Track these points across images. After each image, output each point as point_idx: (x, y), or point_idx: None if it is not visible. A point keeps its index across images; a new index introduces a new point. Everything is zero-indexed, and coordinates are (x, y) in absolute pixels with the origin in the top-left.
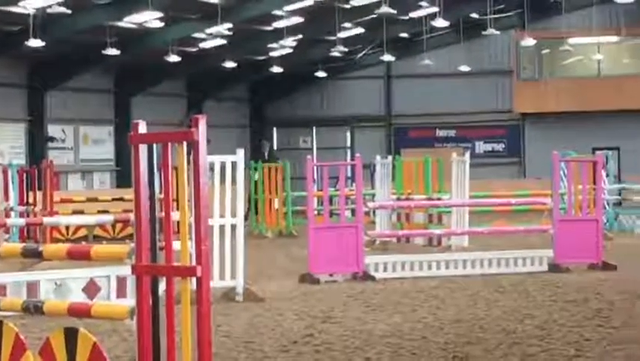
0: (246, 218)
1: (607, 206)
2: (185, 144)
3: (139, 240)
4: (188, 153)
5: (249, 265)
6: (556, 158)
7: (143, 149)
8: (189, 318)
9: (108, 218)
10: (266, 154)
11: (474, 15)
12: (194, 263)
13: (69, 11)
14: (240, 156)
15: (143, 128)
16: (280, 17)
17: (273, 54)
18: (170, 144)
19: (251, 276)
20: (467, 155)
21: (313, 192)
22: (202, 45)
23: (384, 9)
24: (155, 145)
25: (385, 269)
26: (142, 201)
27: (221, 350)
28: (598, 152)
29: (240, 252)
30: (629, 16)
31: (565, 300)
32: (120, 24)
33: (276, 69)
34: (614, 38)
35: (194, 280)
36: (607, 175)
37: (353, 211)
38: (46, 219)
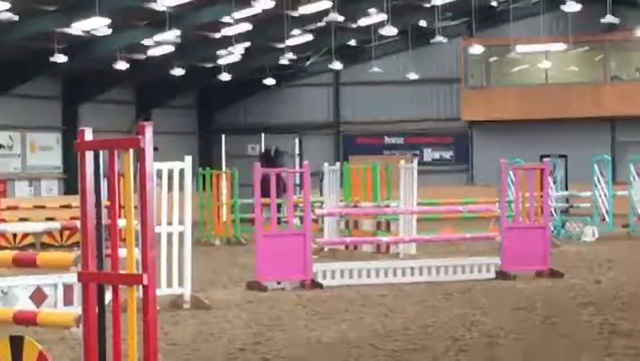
0: None
1: (554, 214)
2: (131, 151)
3: (85, 247)
4: (136, 161)
5: (196, 272)
6: (504, 165)
7: (89, 156)
8: (136, 326)
9: (55, 225)
10: (272, 152)
11: (422, 23)
12: (140, 271)
13: (16, 17)
14: (187, 163)
15: (89, 135)
16: (229, 24)
17: (221, 61)
18: (116, 151)
19: (199, 284)
20: (415, 162)
21: (261, 200)
22: (150, 52)
23: (333, 16)
24: (101, 152)
25: (333, 277)
26: (88, 209)
27: (168, 357)
28: (545, 159)
29: (188, 259)
30: (577, 24)
31: (512, 307)
32: (68, 31)
33: (225, 76)
34: (562, 46)
35: (141, 287)
36: (554, 183)
37: (301, 219)
38: None
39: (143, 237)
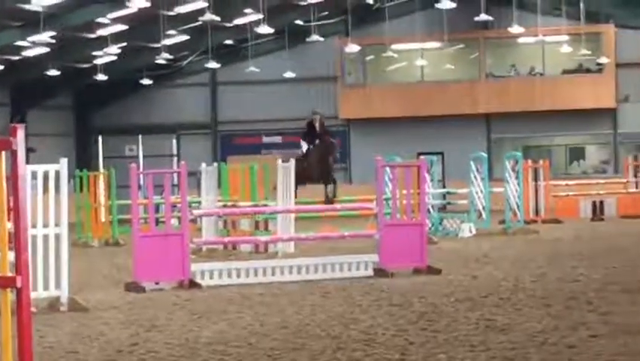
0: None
1: (432, 210)
2: (3, 153)
3: None
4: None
5: (74, 274)
6: (380, 163)
7: None
8: (10, 329)
9: None
10: (317, 127)
11: (298, 22)
12: (14, 273)
13: None
14: (63, 164)
15: None
16: (104, 25)
17: (97, 62)
18: None
19: (76, 286)
20: (292, 161)
21: (138, 200)
22: (25, 53)
23: (209, 16)
24: None
25: (212, 277)
26: None
27: (44, 360)
28: (422, 157)
29: (65, 261)
30: (451, 22)
31: (390, 304)
32: None
33: (101, 77)
34: (437, 44)
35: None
36: (431, 180)
37: (179, 219)
38: None
39: (16, 239)
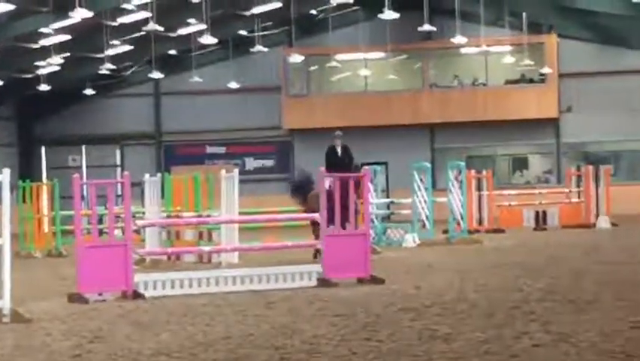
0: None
1: (375, 220)
2: None
3: None
4: None
5: (16, 285)
6: (322, 174)
7: None
8: None
9: None
10: (339, 151)
11: (242, 32)
12: None
13: None
14: (5, 175)
15: None
16: (47, 35)
17: (40, 72)
18: None
19: (18, 297)
20: (236, 171)
21: (82, 211)
22: None
23: (152, 26)
24: None
25: (155, 287)
26: None
27: None
28: (365, 167)
29: (7, 272)
30: (395, 32)
31: (333, 314)
32: None
33: (44, 87)
34: (381, 55)
35: None
36: (375, 190)
37: (123, 230)
38: None
39: None
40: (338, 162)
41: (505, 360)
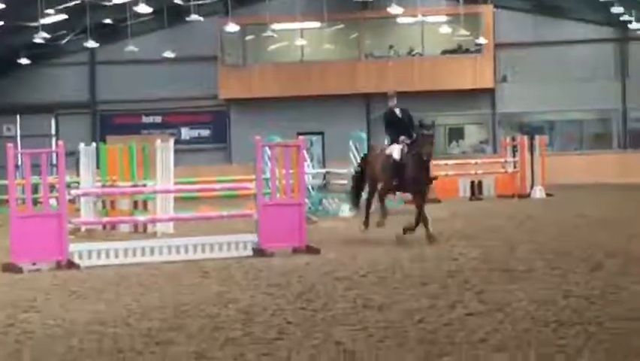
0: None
1: (311, 190)
2: None
3: None
4: None
5: None
6: (258, 142)
7: None
8: None
9: None
10: (397, 112)
11: (178, 1)
12: None
13: None
14: None
15: None
16: None
17: None
18: None
19: None
20: (171, 141)
21: (16, 181)
22: None
23: None
24: None
25: (90, 257)
26: None
27: None
28: (301, 137)
29: None
30: (331, 2)
31: (268, 284)
32: None
33: None
34: (317, 24)
35: None
36: (311, 160)
37: (58, 199)
38: None
39: None
40: (399, 124)
41: (440, 329)
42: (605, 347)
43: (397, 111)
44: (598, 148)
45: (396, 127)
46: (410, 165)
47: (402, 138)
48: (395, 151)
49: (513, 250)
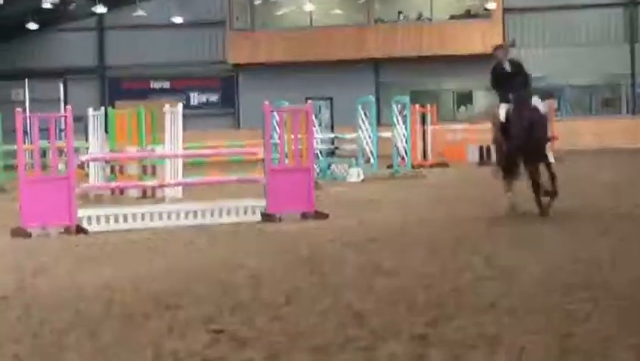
0: None
1: (320, 155)
2: None
3: None
4: None
5: None
6: (267, 108)
7: None
8: None
9: None
10: (506, 66)
11: None
12: None
13: None
14: None
15: None
16: None
17: None
18: None
19: None
20: (180, 106)
21: (25, 146)
22: None
23: None
24: None
25: (99, 222)
26: None
27: None
28: (309, 101)
29: None
30: None
31: (277, 249)
32: None
33: None
34: None
35: None
36: (319, 125)
37: (67, 164)
38: None
39: None
40: (508, 80)
41: (448, 293)
42: (613, 311)
43: (507, 65)
44: (607, 113)
45: (504, 84)
46: (517, 126)
47: (512, 95)
48: (501, 111)
49: (523, 214)
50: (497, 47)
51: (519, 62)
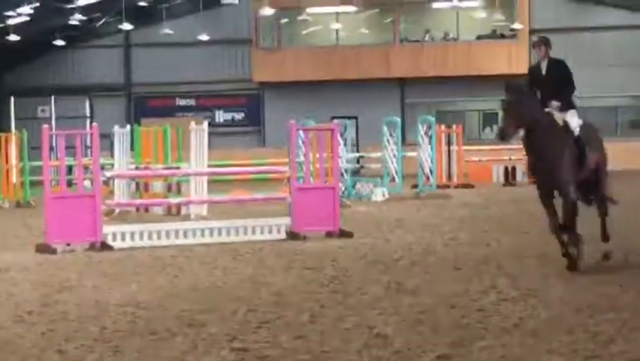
0: None
1: (345, 174)
2: None
3: None
4: None
5: None
6: (292, 126)
7: None
8: None
9: None
10: (543, 68)
11: None
12: None
13: None
14: None
15: None
16: None
17: (10, 22)
18: None
19: None
20: (205, 124)
21: (50, 162)
22: None
23: None
24: None
25: (124, 239)
26: None
27: None
28: (335, 120)
29: None
30: None
31: (301, 267)
32: None
33: (14, 37)
34: (352, 8)
35: None
36: (345, 144)
37: (92, 181)
38: None
39: None
40: (542, 85)
41: (472, 314)
42: (639, 334)
43: (544, 66)
44: (633, 135)
45: (541, 88)
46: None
47: (553, 103)
48: (572, 120)
49: (548, 235)
50: (534, 44)
51: (560, 63)
